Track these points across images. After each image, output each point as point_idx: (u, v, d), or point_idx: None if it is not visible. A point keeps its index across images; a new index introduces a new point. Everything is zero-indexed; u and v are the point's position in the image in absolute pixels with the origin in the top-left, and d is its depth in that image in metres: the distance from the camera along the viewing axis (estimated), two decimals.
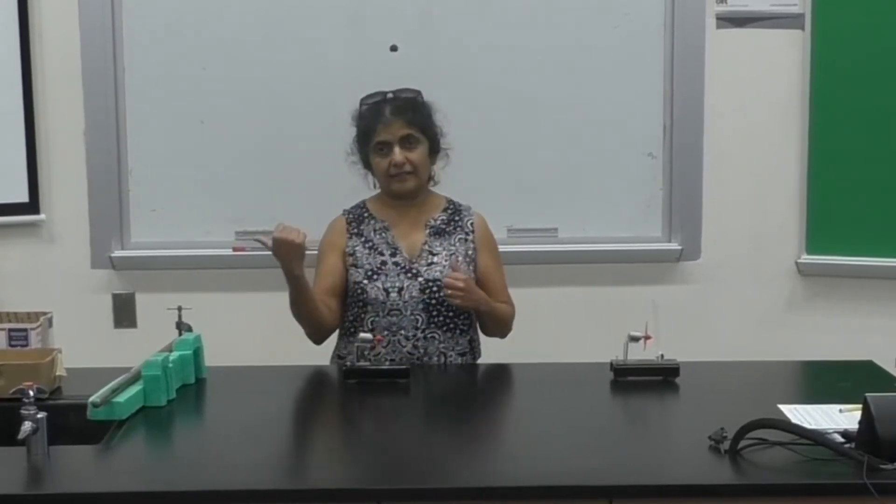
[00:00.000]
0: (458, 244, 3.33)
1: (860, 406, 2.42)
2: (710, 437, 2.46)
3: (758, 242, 4.49)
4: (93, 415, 2.64)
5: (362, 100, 3.38)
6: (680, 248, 4.48)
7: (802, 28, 4.36)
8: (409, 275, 3.26)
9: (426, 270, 3.27)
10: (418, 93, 3.38)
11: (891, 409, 2.36)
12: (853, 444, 2.40)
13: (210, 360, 3.12)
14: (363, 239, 3.32)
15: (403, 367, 3.09)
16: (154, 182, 4.43)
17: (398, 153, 3.26)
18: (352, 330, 3.28)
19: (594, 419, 2.82)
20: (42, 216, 4.40)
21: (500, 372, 3.26)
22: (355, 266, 3.28)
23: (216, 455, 2.56)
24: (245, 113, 4.40)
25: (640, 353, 3.03)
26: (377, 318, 3.24)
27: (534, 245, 4.43)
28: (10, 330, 3.09)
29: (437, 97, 3.40)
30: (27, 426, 2.39)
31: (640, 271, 4.48)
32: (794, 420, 2.57)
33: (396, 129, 3.27)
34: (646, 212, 4.49)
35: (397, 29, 4.37)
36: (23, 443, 2.41)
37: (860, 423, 2.41)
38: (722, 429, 2.46)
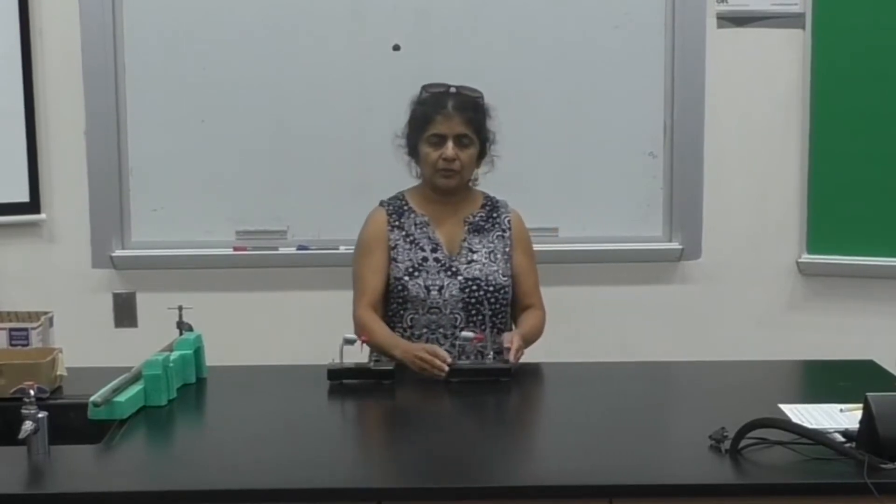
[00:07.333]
0: (496, 241, 3.32)
1: (861, 405, 2.43)
2: (710, 437, 2.46)
3: (758, 242, 4.49)
4: (93, 414, 2.64)
5: (425, 87, 3.34)
6: (680, 247, 4.48)
7: (803, 27, 4.36)
8: (449, 273, 3.24)
9: (466, 269, 3.25)
10: (481, 94, 3.34)
11: (891, 408, 2.36)
12: (854, 444, 2.40)
13: (211, 359, 3.12)
14: (404, 233, 3.28)
15: (388, 367, 3.04)
16: (155, 181, 4.43)
17: (451, 147, 3.22)
18: (390, 326, 3.25)
19: (594, 419, 2.82)
20: (43, 216, 4.40)
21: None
22: (395, 261, 3.26)
23: (216, 455, 2.56)
24: (246, 112, 4.40)
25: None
26: (416, 316, 3.23)
27: (534, 245, 4.41)
28: (11, 329, 3.08)
29: None
30: (28, 426, 2.39)
31: (640, 271, 4.48)
32: (794, 419, 2.57)
33: (455, 125, 3.24)
34: (646, 211, 4.49)
35: (399, 28, 4.37)
36: (23, 442, 2.42)
37: (861, 422, 2.41)
38: (722, 428, 2.46)
